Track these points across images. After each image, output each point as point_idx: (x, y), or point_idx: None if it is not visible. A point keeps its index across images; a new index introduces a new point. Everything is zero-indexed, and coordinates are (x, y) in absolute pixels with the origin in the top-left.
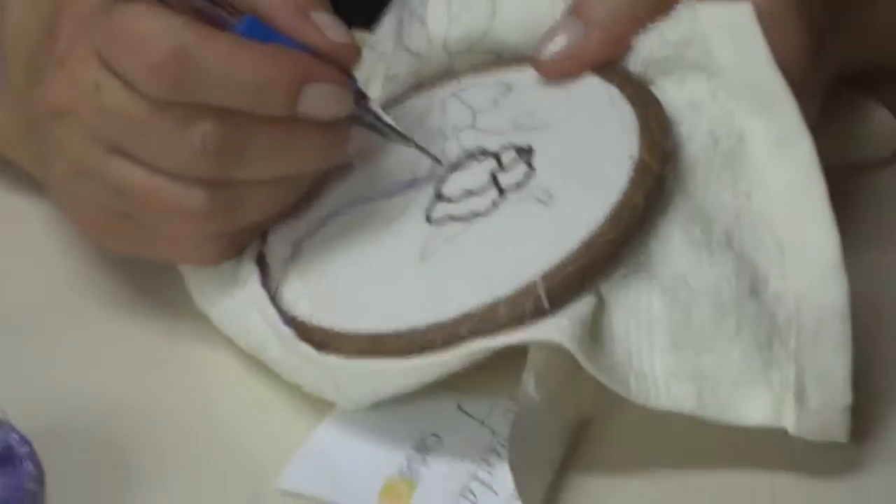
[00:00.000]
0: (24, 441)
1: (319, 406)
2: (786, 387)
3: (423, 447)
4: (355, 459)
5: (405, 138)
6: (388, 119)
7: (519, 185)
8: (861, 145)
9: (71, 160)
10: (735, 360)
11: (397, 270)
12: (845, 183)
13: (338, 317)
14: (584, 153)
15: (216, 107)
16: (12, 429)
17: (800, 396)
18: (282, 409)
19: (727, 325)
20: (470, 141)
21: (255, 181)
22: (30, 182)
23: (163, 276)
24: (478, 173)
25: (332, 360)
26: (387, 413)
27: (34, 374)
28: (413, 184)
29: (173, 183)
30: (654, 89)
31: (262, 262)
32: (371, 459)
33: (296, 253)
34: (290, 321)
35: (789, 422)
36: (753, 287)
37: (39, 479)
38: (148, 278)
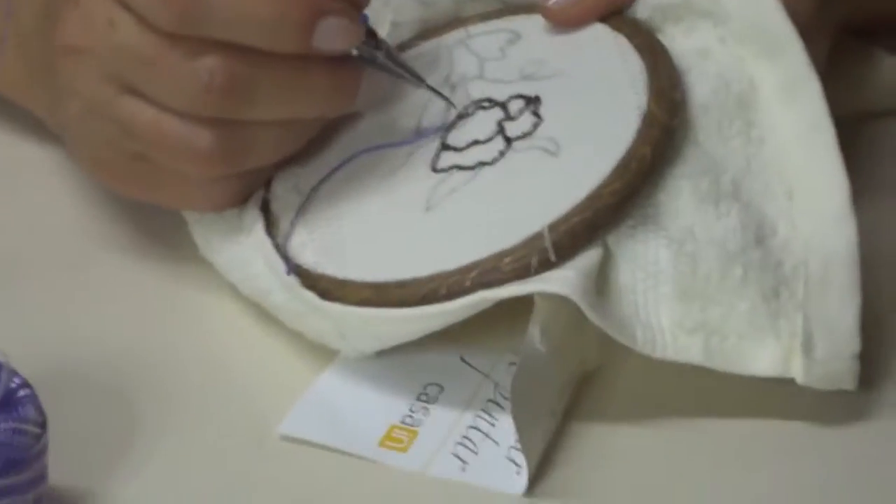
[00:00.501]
0: (26, 385)
1: (323, 354)
2: (793, 336)
3: (426, 396)
4: (357, 407)
5: (418, 78)
6: (400, 58)
7: (526, 135)
8: (870, 95)
9: (84, 99)
10: (742, 312)
11: (402, 219)
12: (855, 132)
13: (342, 265)
14: (593, 104)
15: (226, 42)
16: (14, 373)
17: (807, 346)
18: (285, 356)
19: (733, 275)
20: (478, 90)
21: (263, 122)
22: (37, 127)
23: (168, 222)
24: (485, 123)
25: (336, 308)
26: (390, 363)
27: (37, 319)
28: (419, 134)
29: (182, 122)
30: (661, 37)
31: (266, 210)
32: (373, 407)
33: (301, 201)
34: (295, 269)
35: (797, 371)
36: (760, 236)
37: (41, 423)
38: (153, 224)
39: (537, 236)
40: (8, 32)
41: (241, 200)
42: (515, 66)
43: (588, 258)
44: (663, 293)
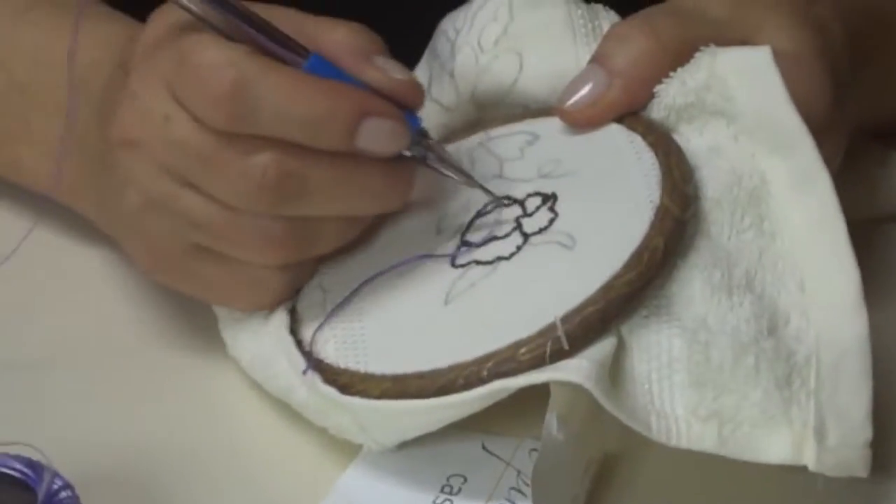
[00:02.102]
0: (68, 486)
1: (348, 448)
2: (805, 424)
3: (450, 488)
4: (382, 503)
5: (468, 177)
6: (451, 158)
7: (542, 230)
8: (887, 197)
9: (143, 192)
10: (754, 400)
11: (422, 314)
12: (871, 235)
13: (364, 359)
14: (607, 199)
15: (278, 140)
16: (56, 474)
17: (819, 433)
18: (312, 452)
19: (746, 364)
20: (496, 189)
21: (321, 218)
22: (75, 225)
23: (201, 323)
24: (503, 219)
25: (356, 402)
26: (412, 455)
27: (77, 419)
28: (439, 231)
29: (250, 214)
30: (676, 137)
31: (292, 309)
32: (398, 502)
33: (324, 297)
34: (317, 364)
35: (810, 459)
36: (772, 326)
37: None
38: (188, 325)
39: (552, 327)
40: (70, 135)
41: (287, 297)
42: (534, 166)
43: (602, 348)
44: (677, 382)
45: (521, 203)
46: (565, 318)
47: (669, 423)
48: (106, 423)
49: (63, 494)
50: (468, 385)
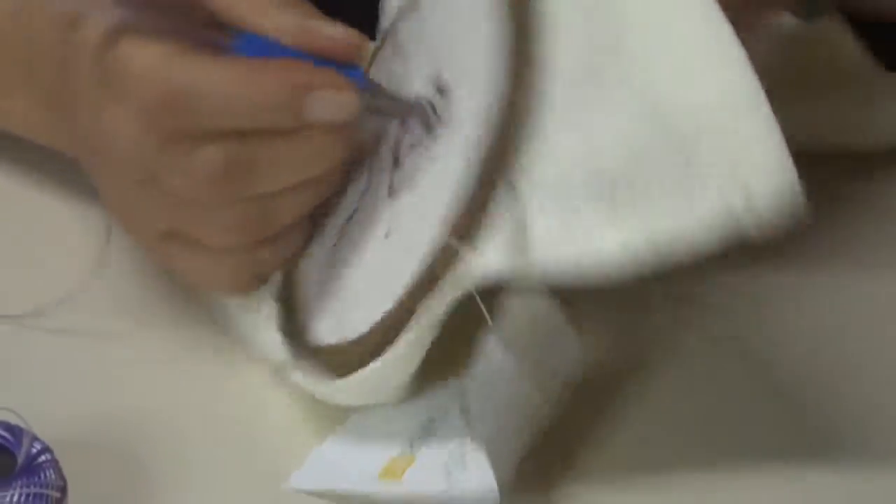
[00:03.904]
0: (47, 449)
1: (333, 413)
2: (721, 189)
3: (428, 429)
4: (360, 450)
5: (404, 101)
6: (394, 93)
7: (441, 119)
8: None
9: (123, 175)
10: (666, 197)
11: (371, 257)
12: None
13: (336, 327)
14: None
15: (224, 130)
16: (35, 438)
17: (746, 190)
18: (298, 415)
19: (645, 172)
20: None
21: (276, 192)
22: (63, 187)
23: (182, 291)
24: (417, 125)
25: (331, 387)
26: (382, 411)
27: (56, 383)
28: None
29: (208, 206)
30: None
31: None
32: (375, 446)
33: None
34: (306, 353)
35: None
36: (659, 121)
37: (62, 487)
38: (168, 293)
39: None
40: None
41: (263, 278)
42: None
43: (503, 230)
44: (585, 208)
45: (431, 103)
46: (455, 225)
47: (594, 247)
48: (85, 388)
49: (42, 458)
50: (407, 320)
